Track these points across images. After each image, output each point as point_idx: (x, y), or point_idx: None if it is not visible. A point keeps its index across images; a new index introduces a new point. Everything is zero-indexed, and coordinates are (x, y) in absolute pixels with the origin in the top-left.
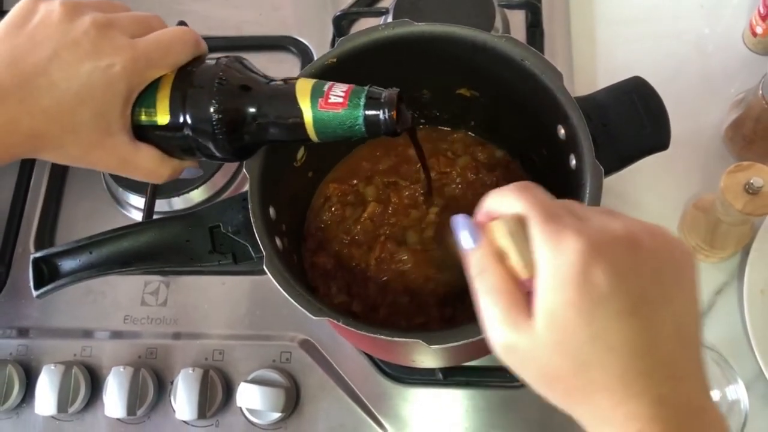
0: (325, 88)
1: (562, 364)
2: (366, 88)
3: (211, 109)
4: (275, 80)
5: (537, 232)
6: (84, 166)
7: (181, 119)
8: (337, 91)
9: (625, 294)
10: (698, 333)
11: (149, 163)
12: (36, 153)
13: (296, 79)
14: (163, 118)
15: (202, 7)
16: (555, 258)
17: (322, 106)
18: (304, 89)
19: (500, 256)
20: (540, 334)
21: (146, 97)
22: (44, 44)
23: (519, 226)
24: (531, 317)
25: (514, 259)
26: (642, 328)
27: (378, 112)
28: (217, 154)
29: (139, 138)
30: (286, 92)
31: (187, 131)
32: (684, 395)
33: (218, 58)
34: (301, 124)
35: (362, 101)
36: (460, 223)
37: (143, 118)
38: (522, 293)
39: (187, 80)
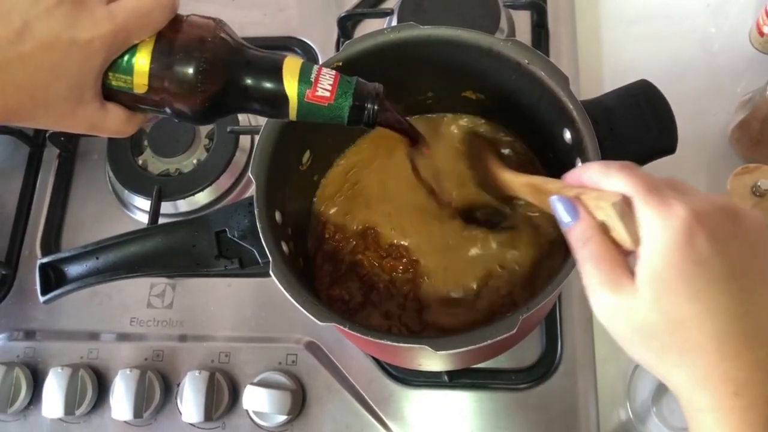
0: (313, 76)
1: (659, 321)
2: (353, 83)
3: (195, 80)
4: (261, 52)
5: (643, 204)
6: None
7: (161, 88)
8: (324, 83)
9: (724, 260)
10: None
11: (117, 124)
12: (4, 122)
13: (284, 56)
14: (140, 87)
15: (206, 8)
16: (661, 224)
17: (309, 97)
18: (291, 69)
19: (602, 228)
20: (641, 293)
21: (121, 63)
22: (12, 15)
23: (623, 202)
24: (633, 280)
25: (619, 231)
26: (737, 293)
27: (362, 112)
28: (190, 116)
29: (107, 98)
30: (272, 69)
31: (164, 97)
32: None
33: (197, 20)
34: (285, 109)
35: (348, 100)
36: (557, 201)
37: (116, 84)
38: (624, 260)
39: (168, 48)
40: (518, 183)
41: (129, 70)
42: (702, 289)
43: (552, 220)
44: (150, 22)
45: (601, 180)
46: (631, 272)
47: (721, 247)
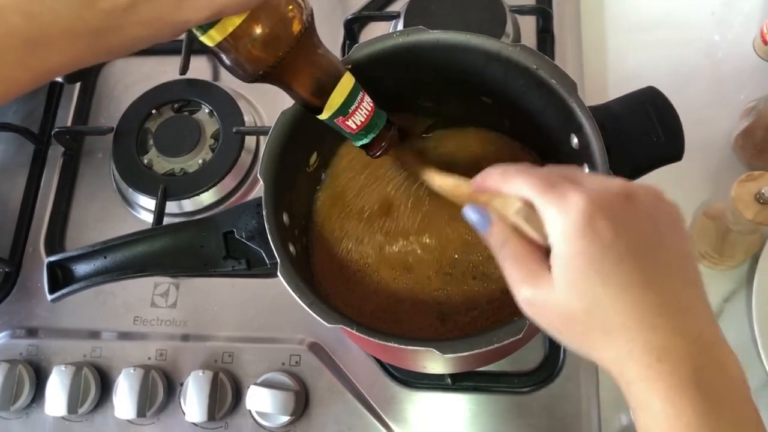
0: (352, 107)
1: (578, 306)
2: (377, 128)
3: (264, 61)
4: (329, 56)
5: (543, 203)
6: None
7: (229, 48)
8: (357, 119)
9: (627, 239)
10: (698, 275)
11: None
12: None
13: (342, 72)
14: (211, 40)
15: None
16: (562, 217)
17: (338, 120)
18: (342, 90)
19: (515, 229)
20: (558, 282)
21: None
22: None
23: (526, 207)
24: (550, 272)
25: (530, 232)
26: (646, 267)
27: (371, 150)
28: (239, 75)
29: None
30: (327, 82)
31: (227, 55)
32: (696, 328)
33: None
34: (315, 112)
35: (366, 139)
36: (469, 210)
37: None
38: (541, 255)
39: (251, 29)
40: (436, 184)
41: (209, 25)
42: (612, 270)
43: None
44: (245, 7)
45: (501, 186)
46: (547, 267)
47: (622, 228)
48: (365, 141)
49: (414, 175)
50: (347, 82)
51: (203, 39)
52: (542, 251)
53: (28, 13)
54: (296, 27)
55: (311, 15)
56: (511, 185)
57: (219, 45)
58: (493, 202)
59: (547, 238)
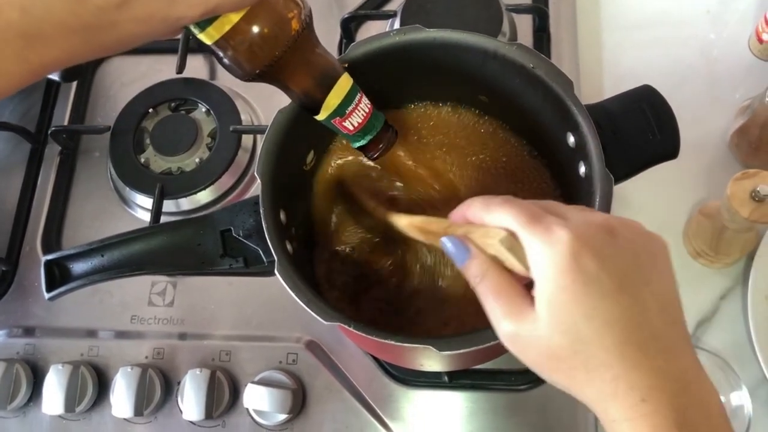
0: (349, 108)
1: (562, 343)
2: (375, 131)
3: (260, 60)
4: (327, 56)
5: (527, 235)
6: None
7: (225, 47)
8: (354, 120)
9: (610, 275)
10: (680, 313)
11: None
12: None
13: (340, 73)
14: (209, 37)
15: None
16: (547, 251)
17: (336, 121)
18: (339, 91)
19: (496, 262)
20: (541, 319)
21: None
22: None
23: (510, 236)
24: (532, 306)
25: (512, 262)
26: (629, 304)
27: (367, 152)
28: (237, 74)
29: None
30: (325, 82)
31: (224, 54)
32: (678, 367)
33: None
34: (313, 112)
35: (363, 141)
36: (447, 242)
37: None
38: (521, 288)
39: (248, 27)
40: (403, 224)
41: (207, 23)
42: (596, 306)
43: None
44: (241, 5)
45: (483, 216)
46: (530, 300)
47: (606, 263)
48: (363, 142)
49: (377, 220)
50: (345, 82)
51: (201, 37)
52: (523, 284)
53: (22, 7)
54: (294, 26)
55: (310, 15)
56: (494, 216)
57: (217, 43)
58: (472, 235)
59: (530, 270)
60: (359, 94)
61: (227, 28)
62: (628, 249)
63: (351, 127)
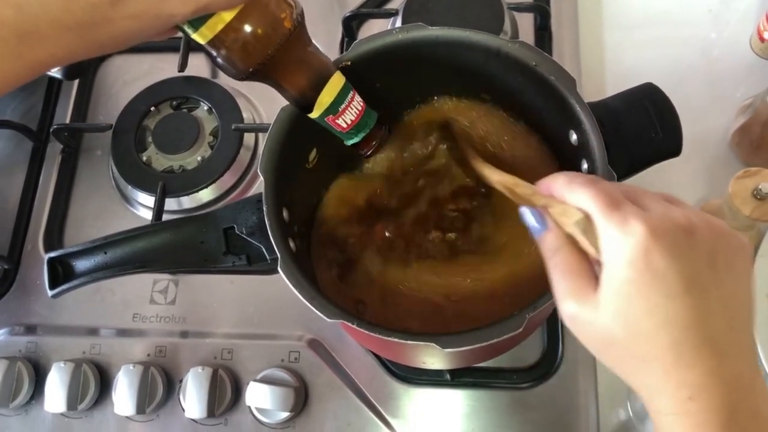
0: (342, 106)
1: (619, 334)
2: (367, 128)
3: (253, 59)
4: (319, 55)
5: (603, 221)
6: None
7: (219, 46)
8: (347, 117)
9: (678, 274)
10: (748, 319)
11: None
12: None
13: (332, 71)
14: (202, 37)
15: None
16: (619, 241)
17: (329, 119)
18: (331, 89)
19: (570, 239)
20: (603, 306)
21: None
22: None
23: (586, 219)
24: (597, 291)
25: (585, 243)
26: (693, 305)
27: (361, 150)
28: (230, 73)
29: None
30: (318, 79)
31: (218, 53)
32: (732, 372)
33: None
34: (306, 111)
35: (357, 138)
36: (526, 212)
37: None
38: (591, 270)
39: (240, 25)
40: (494, 179)
41: (200, 22)
42: (659, 303)
43: None
44: (232, 3)
45: (565, 193)
46: (596, 284)
47: (676, 262)
48: (356, 140)
49: (469, 168)
50: (337, 80)
51: (195, 37)
52: (593, 266)
53: (17, 5)
54: (286, 25)
55: (301, 14)
56: (575, 195)
57: (210, 42)
58: (552, 208)
59: (601, 255)
60: (351, 92)
61: (220, 27)
62: (703, 249)
63: (344, 125)
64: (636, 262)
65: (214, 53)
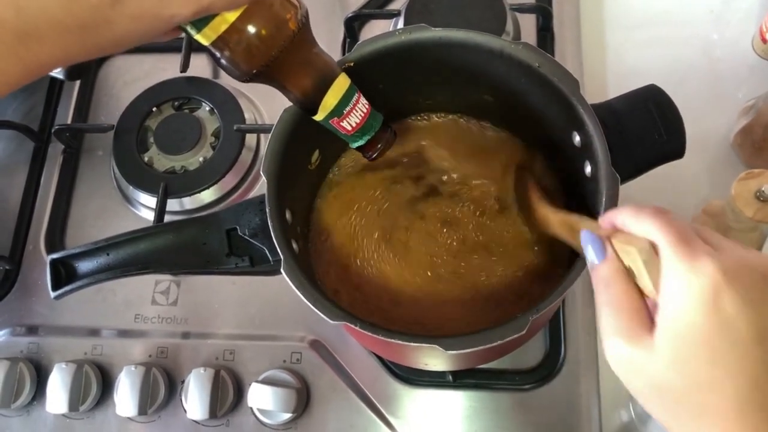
0: (347, 108)
1: (676, 382)
2: (373, 130)
3: (257, 61)
4: (324, 56)
5: (671, 255)
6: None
7: (223, 47)
8: (352, 120)
9: (750, 323)
10: None
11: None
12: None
13: (337, 73)
14: (206, 38)
15: None
16: (687, 279)
17: (333, 122)
18: (336, 90)
19: (627, 273)
20: (659, 349)
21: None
22: None
23: (651, 249)
24: (651, 333)
25: (644, 279)
26: (762, 359)
27: (366, 152)
28: (234, 75)
29: None
30: (322, 82)
31: (221, 53)
32: None
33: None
34: (311, 113)
35: (362, 141)
36: (586, 238)
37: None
38: (646, 309)
39: (243, 26)
40: (555, 220)
41: (206, 22)
42: (725, 353)
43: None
44: (234, 4)
45: (631, 224)
46: (650, 324)
47: (749, 309)
48: (361, 143)
49: (526, 210)
50: (342, 82)
51: (198, 37)
52: (646, 304)
53: (17, 5)
54: (291, 26)
55: (306, 15)
56: (642, 225)
57: (213, 43)
58: (614, 239)
59: (659, 293)
60: (357, 94)
61: (223, 28)
62: None
63: (349, 128)
64: (704, 306)
65: (218, 54)
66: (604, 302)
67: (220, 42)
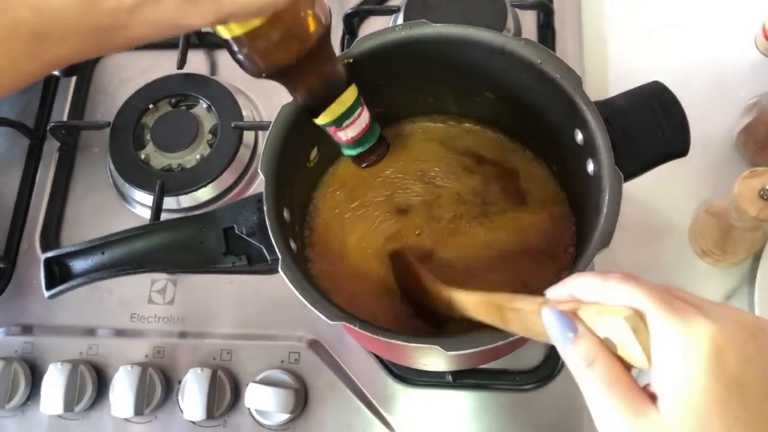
0: (348, 121)
1: None
2: (368, 145)
3: (282, 66)
4: (337, 65)
5: (661, 320)
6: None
7: (240, 44)
8: (350, 132)
9: (755, 380)
10: None
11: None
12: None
13: (347, 85)
14: (228, 34)
15: None
16: (685, 344)
17: (331, 130)
18: (343, 102)
19: (606, 345)
20: (669, 422)
21: None
22: None
23: (637, 316)
24: (654, 405)
25: (631, 349)
26: None
27: (358, 162)
28: (247, 69)
29: None
30: (330, 92)
31: (244, 53)
32: None
33: (309, 11)
34: (312, 116)
35: (356, 151)
36: (549, 316)
37: None
38: (635, 381)
39: (267, 31)
40: (471, 302)
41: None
42: (739, 415)
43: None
44: (255, 15)
45: (599, 293)
46: (648, 396)
47: (751, 365)
48: (353, 153)
49: (438, 301)
50: (350, 94)
51: (220, 30)
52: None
53: (35, 6)
54: (314, 38)
55: (329, 27)
56: (616, 292)
57: (236, 38)
58: (583, 311)
59: (652, 361)
60: (361, 107)
61: (251, 27)
62: None
63: (344, 138)
64: (710, 369)
65: (236, 49)
66: (591, 381)
67: (244, 39)
